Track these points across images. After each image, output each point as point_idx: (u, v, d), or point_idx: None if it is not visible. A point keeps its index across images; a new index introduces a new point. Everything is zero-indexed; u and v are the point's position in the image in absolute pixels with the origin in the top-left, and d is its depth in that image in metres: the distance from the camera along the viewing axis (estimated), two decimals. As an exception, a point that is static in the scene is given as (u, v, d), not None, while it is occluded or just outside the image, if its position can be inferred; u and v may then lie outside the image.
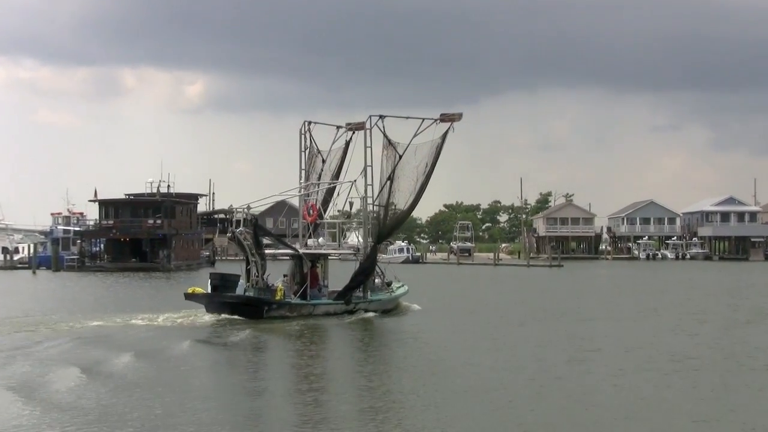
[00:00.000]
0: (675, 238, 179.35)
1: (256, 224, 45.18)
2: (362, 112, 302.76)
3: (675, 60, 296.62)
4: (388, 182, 47.83)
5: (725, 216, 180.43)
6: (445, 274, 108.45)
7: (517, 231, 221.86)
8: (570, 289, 75.86)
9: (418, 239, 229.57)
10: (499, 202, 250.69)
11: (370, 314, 46.31)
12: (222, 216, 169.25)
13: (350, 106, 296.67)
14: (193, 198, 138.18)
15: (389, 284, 49.63)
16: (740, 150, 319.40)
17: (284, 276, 46.79)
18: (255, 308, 43.73)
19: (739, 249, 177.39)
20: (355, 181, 48.64)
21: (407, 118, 47.97)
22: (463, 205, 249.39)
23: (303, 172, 51.50)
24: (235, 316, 43.34)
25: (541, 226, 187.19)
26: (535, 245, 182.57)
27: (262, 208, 58.34)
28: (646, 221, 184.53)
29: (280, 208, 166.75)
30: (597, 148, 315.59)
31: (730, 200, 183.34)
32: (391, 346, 36.33)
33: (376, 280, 48.76)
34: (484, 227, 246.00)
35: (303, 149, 51.46)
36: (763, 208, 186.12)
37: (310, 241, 48.83)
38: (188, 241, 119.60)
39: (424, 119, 47.36)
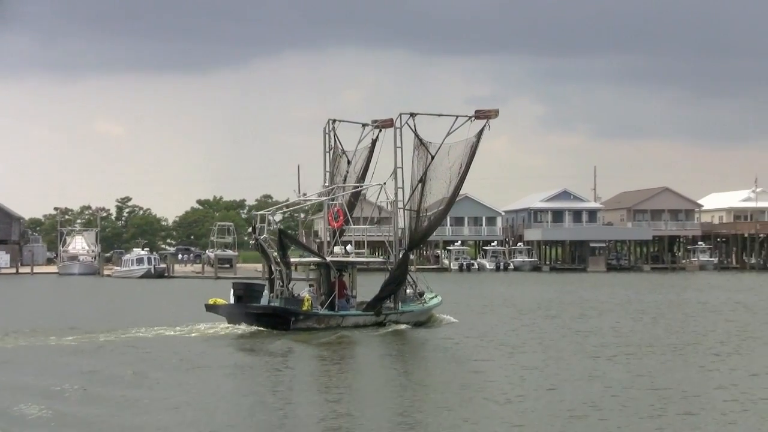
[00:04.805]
0: (495, 243, 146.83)
1: (281, 231, 43.70)
2: (91, 75, 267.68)
3: (501, 16, 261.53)
4: (420, 185, 45.74)
5: (558, 215, 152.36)
6: (192, 291, 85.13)
7: (294, 235, 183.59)
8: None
9: (163, 246, 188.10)
10: (271, 197, 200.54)
11: (402, 326, 44.33)
12: None
13: (70, 67, 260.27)
14: None
15: (421, 295, 47.30)
16: (579, 129, 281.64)
17: (310, 286, 44.84)
18: (282, 319, 42.08)
19: (575, 257, 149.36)
20: (384, 183, 46.40)
21: (439, 115, 46.05)
22: (224, 201, 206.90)
23: (327, 174, 49.38)
24: (260, 328, 42.03)
25: (324, 229, 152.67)
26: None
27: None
28: (458, 222, 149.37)
29: None
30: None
31: (564, 195, 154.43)
32: (426, 362, 34.94)
33: (408, 290, 46.51)
34: (250, 229, 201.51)
35: (327, 149, 49.32)
36: (604, 204, 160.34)
37: (336, 249, 46.33)
38: None
39: (457, 117, 45.26)
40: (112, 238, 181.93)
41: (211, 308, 43.85)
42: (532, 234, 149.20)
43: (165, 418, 23.48)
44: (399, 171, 46.28)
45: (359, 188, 48.77)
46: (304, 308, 42.35)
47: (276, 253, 43.09)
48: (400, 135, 46.17)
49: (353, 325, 43.36)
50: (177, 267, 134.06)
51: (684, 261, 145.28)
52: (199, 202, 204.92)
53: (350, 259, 46.47)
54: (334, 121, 49.08)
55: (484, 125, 44.93)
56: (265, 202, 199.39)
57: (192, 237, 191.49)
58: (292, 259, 44.47)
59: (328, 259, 44.67)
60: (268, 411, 24.51)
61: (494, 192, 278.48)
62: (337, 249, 46.23)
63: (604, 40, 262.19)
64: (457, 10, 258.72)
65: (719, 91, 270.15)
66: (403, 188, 46.35)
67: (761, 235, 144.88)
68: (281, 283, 42.98)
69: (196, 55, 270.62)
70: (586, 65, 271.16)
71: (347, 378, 30.45)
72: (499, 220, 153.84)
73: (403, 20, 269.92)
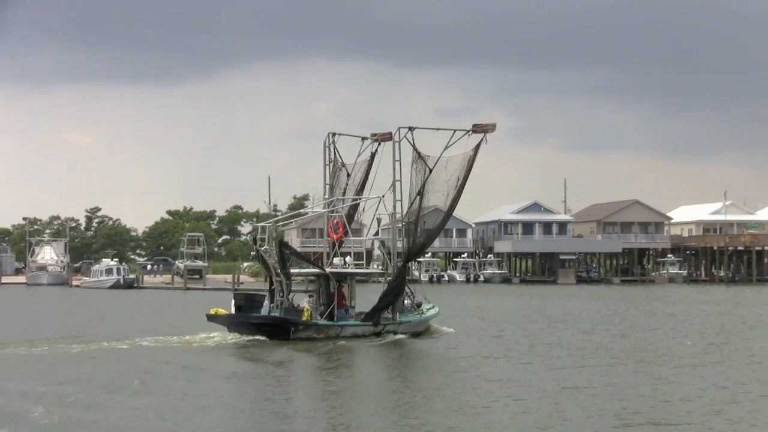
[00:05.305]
0: (465, 255, 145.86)
1: (281, 242, 44.51)
2: (60, 85, 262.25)
3: (471, 28, 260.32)
4: (418, 197, 46.31)
5: (528, 227, 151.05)
6: (166, 302, 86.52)
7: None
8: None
9: (133, 256, 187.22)
10: (241, 208, 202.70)
11: (400, 336, 45.00)
12: None
13: (39, 76, 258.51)
14: None
15: (419, 305, 47.94)
16: (549, 142, 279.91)
17: (309, 296, 45.54)
18: (281, 329, 42.88)
19: (545, 269, 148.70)
20: (383, 196, 47.32)
21: (437, 129, 46.68)
22: (194, 211, 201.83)
23: (327, 186, 49.78)
24: (260, 337, 43.00)
25: (295, 240, 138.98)
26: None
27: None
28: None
29: None
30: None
31: (535, 207, 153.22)
32: (424, 373, 35.10)
33: (406, 301, 47.14)
34: (220, 240, 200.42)
35: (327, 162, 49.74)
36: (574, 216, 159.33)
37: (336, 260, 46.76)
38: None
39: (455, 131, 46.09)
40: (82, 249, 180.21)
41: (212, 318, 44.60)
42: (503, 246, 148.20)
43: (170, 426, 24.27)
44: (397, 184, 46.94)
45: (358, 201, 49.38)
46: (304, 318, 43.10)
47: (276, 264, 43.59)
48: (399, 148, 46.80)
49: (352, 335, 44.01)
50: (146, 278, 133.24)
51: (653, 273, 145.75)
52: (168, 212, 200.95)
53: (349, 270, 47.05)
54: (334, 134, 49.61)
55: (482, 139, 45.80)
56: (235, 213, 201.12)
57: (162, 248, 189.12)
58: (292, 270, 44.99)
59: (328, 270, 45.19)
60: (268, 420, 25.27)
61: (464, 204, 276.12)
62: (336, 260, 46.69)
63: (574, 54, 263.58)
64: (427, 21, 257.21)
65: (689, 104, 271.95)
66: (401, 201, 47.04)
67: (730, 248, 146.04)
68: (281, 294, 43.56)
69: (166, 66, 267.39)
70: (556, 78, 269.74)
71: (345, 387, 31.18)
72: (469, 232, 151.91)
73: (373, 32, 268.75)
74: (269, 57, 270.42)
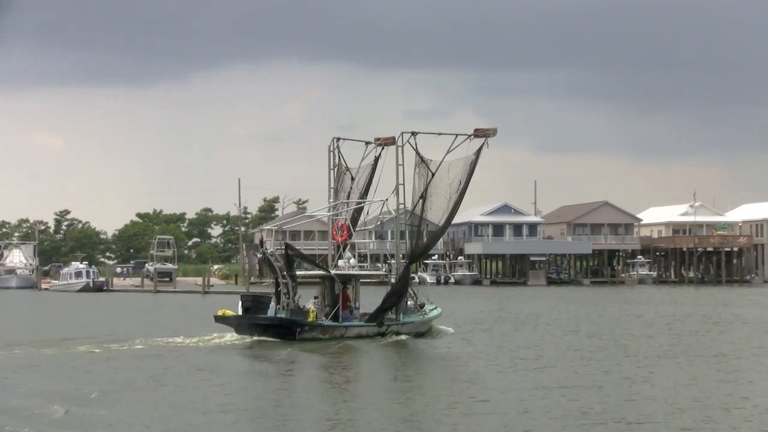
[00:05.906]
0: (436, 257, 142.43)
1: (287, 245, 44.85)
2: (29, 87, 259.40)
3: (442, 30, 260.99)
4: (421, 201, 47.07)
5: (498, 229, 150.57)
6: (128, 306, 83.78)
7: (234, 248, 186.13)
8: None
9: (102, 259, 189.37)
10: (211, 211, 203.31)
11: (403, 337, 45.69)
12: None
13: (7, 78, 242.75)
14: None
15: (422, 306, 48.53)
16: (520, 144, 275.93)
17: (315, 297, 45.92)
18: (287, 330, 43.65)
19: (515, 270, 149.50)
20: (386, 199, 48.08)
21: (439, 134, 47.68)
22: (164, 214, 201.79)
23: (332, 190, 50.31)
24: (267, 338, 43.72)
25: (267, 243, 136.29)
26: (257, 267, 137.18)
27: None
28: (400, 236, 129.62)
29: None
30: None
31: (505, 208, 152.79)
32: (427, 372, 35.78)
33: (409, 302, 47.76)
34: (191, 243, 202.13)
35: (332, 167, 50.30)
36: (545, 218, 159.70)
37: (340, 262, 47.48)
38: None
39: (457, 135, 46.92)
40: (51, 252, 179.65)
41: (220, 319, 45.26)
42: (473, 248, 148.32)
43: (178, 424, 24.94)
44: (401, 188, 47.70)
45: (362, 204, 50.04)
46: (310, 319, 43.90)
47: (282, 266, 44.09)
48: (402, 153, 47.55)
49: (356, 335, 44.79)
50: (116, 280, 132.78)
51: (623, 275, 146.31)
52: (138, 215, 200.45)
53: (354, 272, 47.71)
54: (338, 139, 50.28)
55: (483, 143, 46.56)
56: (205, 215, 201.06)
57: (131, 250, 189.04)
58: (298, 272, 45.57)
59: (333, 272, 45.94)
60: (274, 417, 25.93)
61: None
62: (341, 262, 47.40)
63: (544, 55, 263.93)
64: (399, 24, 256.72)
65: (658, 105, 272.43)
66: (405, 204, 47.82)
67: (699, 249, 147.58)
68: (287, 296, 44.11)
69: (137, 69, 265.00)
70: (526, 80, 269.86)
71: (350, 385, 32.17)
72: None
73: (344, 34, 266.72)
74: (241, 59, 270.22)
